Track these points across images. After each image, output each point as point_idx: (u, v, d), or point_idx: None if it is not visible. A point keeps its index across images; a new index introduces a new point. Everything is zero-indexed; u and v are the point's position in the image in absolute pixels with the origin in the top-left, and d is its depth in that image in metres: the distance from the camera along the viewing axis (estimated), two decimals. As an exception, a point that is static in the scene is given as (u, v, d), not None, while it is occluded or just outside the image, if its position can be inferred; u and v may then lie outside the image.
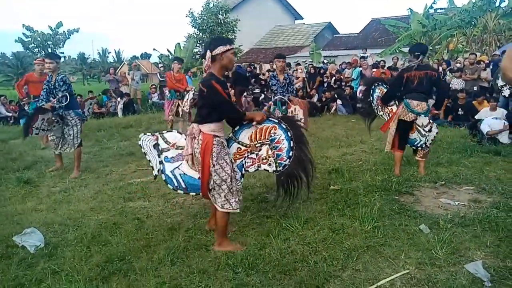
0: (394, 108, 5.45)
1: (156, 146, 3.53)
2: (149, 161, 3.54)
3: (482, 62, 9.83)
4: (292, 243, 3.39)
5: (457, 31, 15.14)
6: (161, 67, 15.67)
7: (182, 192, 3.51)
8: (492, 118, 6.93)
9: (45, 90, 5.85)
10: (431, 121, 5.21)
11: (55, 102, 5.79)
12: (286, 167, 3.52)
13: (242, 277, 2.87)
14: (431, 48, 15.49)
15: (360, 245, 3.30)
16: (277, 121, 3.54)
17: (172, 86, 8.64)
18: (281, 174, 3.54)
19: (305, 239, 3.44)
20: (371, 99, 5.73)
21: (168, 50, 17.09)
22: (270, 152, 3.52)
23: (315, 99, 12.24)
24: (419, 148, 5.23)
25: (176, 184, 3.47)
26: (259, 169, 3.58)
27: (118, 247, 3.38)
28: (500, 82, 8.45)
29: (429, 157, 5.66)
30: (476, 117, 7.68)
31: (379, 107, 5.68)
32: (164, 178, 3.49)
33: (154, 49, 52.84)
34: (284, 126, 3.52)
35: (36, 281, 2.88)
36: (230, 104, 3.29)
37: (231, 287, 2.73)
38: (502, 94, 8.23)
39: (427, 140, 5.16)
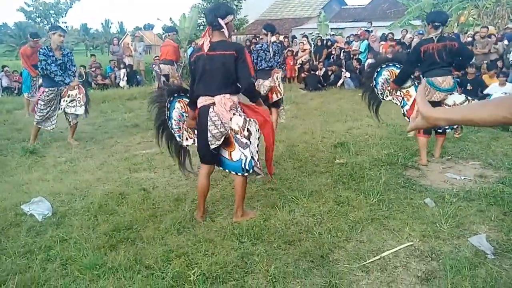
0: (412, 90, 4.80)
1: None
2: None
3: (493, 36, 9.60)
4: (297, 214, 3.42)
5: (469, 3, 14.70)
6: (165, 37, 15.41)
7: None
8: (502, 93, 6.83)
9: (56, 65, 5.77)
10: (468, 97, 4.59)
11: (78, 79, 5.97)
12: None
13: (248, 246, 2.91)
14: (441, 20, 15.09)
15: (365, 218, 3.32)
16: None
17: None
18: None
19: (310, 211, 3.46)
20: (374, 83, 5.06)
21: (171, 20, 16.78)
22: None
23: (321, 72, 12.07)
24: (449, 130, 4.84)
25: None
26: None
27: (124, 217, 3.42)
28: (511, 57, 8.28)
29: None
30: (485, 92, 7.57)
31: (387, 91, 4.99)
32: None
33: (158, 19, 52.04)
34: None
35: (45, 248, 2.93)
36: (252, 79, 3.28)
37: (237, 255, 2.77)
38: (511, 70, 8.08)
39: None
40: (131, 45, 14.92)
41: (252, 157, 3.17)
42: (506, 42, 9.44)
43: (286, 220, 3.29)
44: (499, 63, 8.64)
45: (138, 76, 13.88)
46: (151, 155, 5.43)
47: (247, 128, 3.17)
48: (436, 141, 4.85)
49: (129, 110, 8.94)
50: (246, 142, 3.16)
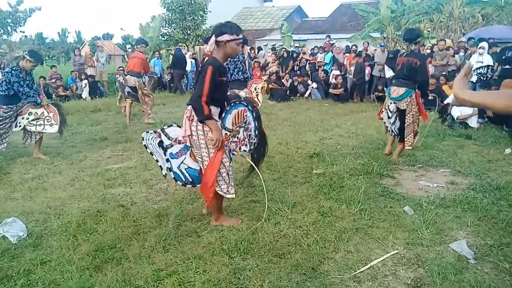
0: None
1: (160, 143, 3.39)
2: (157, 160, 3.43)
3: (451, 48, 10.16)
4: (284, 226, 3.42)
5: (424, 17, 15.52)
6: (128, 48, 15.13)
7: (191, 186, 3.59)
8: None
9: (26, 85, 5.58)
10: (400, 112, 5.22)
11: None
12: (256, 145, 3.72)
13: (239, 261, 2.88)
14: (399, 33, 15.79)
15: (350, 227, 3.38)
16: (246, 103, 3.61)
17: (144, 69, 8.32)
18: (254, 153, 3.75)
19: (296, 222, 3.49)
20: None
21: (141, 25, 16.40)
22: (245, 133, 3.64)
23: (288, 83, 12.25)
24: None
25: (184, 180, 3.51)
26: (240, 151, 3.66)
27: (106, 235, 3.29)
28: (468, 68, 8.77)
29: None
30: (446, 101, 7.96)
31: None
32: (173, 176, 3.47)
33: (121, 28, 51.09)
34: (251, 108, 3.63)
35: (25, 272, 2.76)
36: (200, 95, 3.11)
37: (229, 271, 2.73)
38: (470, 79, 8.55)
39: (394, 126, 5.30)
40: (94, 56, 14.51)
41: (169, 168, 3.41)
42: (462, 54, 10.01)
43: (273, 233, 3.29)
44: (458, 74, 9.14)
45: (101, 87, 13.50)
46: (124, 169, 5.27)
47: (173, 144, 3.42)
48: (397, 146, 5.40)
49: (96, 123, 8.67)
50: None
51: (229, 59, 5.60)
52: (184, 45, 16.84)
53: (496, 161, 5.20)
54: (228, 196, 3.38)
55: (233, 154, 3.61)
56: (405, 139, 5.19)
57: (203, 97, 3.07)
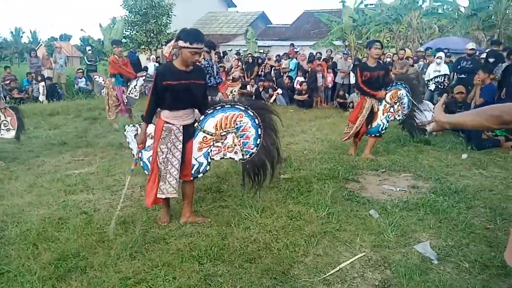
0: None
1: (136, 136, 3.68)
2: (131, 149, 3.81)
3: (409, 58, 10.58)
4: (253, 231, 3.41)
5: (384, 27, 16.10)
6: (88, 50, 14.65)
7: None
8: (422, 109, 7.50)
9: None
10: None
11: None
12: (253, 155, 3.54)
13: (209, 267, 2.84)
14: (360, 42, 16.29)
15: (318, 231, 3.42)
16: (243, 108, 3.52)
17: (120, 71, 8.00)
18: (247, 162, 3.56)
19: (265, 227, 3.49)
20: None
21: (100, 26, 15.93)
22: (236, 140, 3.53)
23: (253, 89, 12.30)
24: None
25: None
26: (225, 157, 3.59)
27: (68, 243, 3.15)
28: (426, 77, 9.17)
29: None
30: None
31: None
32: (142, 165, 3.70)
33: (81, 29, 49.47)
34: (251, 113, 3.51)
35: (-20, 285, 2.59)
36: (151, 98, 3.33)
37: (200, 278, 2.69)
38: (428, 88, 8.95)
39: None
40: (51, 57, 13.94)
41: (140, 158, 3.67)
42: (421, 63, 10.44)
43: (243, 238, 3.27)
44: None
45: (59, 90, 12.97)
46: (85, 175, 5.09)
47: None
48: (368, 141, 5.87)
49: (54, 127, 8.32)
50: None
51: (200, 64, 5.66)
52: (148, 48, 16.55)
53: (454, 165, 5.44)
54: (157, 195, 3.36)
55: (212, 159, 3.59)
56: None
57: (148, 100, 3.36)
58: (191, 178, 3.56)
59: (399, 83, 5.87)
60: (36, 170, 5.40)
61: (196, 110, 3.50)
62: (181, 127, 3.36)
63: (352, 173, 4.98)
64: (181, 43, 3.16)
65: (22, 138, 7.15)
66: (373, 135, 5.78)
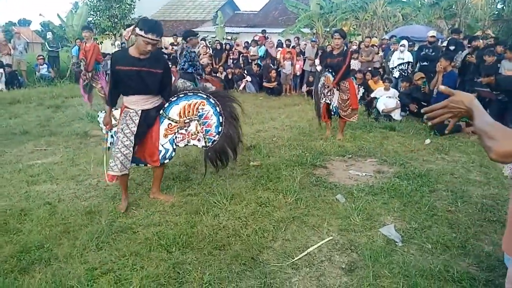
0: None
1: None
2: (106, 133, 3.78)
3: (375, 46, 10.77)
4: (223, 218, 3.42)
5: (351, 15, 16.28)
6: (49, 36, 14.01)
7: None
8: (387, 97, 7.68)
9: None
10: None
11: None
12: (215, 142, 3.62)
13: (178, 256, 2.82)
14: (328, 30, 16.40)
15: (286, 216, 3.46)
16: (205, 96, 3.59)
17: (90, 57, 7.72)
18: (209, 149, 3.67)
19: (235, 214, 3.50)
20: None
21: (59, 16, 15.28)
22: (199, 127, 3.62)
23: (222, 76, 12.19)
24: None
25: None
26: (189, 144, 3.70)
27: (32, 235, 3.06)
28: (390, 64, 9.36)
29: (336, 132, 6.16)
30: (372, 95, 8.43)
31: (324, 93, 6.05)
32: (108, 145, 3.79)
33: (40, 14, 47.25)
34: (213, 101, 3.59)
35: None
36: (110, 82, 3.49)
37: (168, 266, 2.67)
38: (393, 75, 9.15)
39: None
40: (9, 43, 13.26)
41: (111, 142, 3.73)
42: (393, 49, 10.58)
43: (213, 225, 3.27)
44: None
45: (19, 77, 12.39)
46: (49, 165, 4.91)
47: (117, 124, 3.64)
48: (339, 124, 6.16)
49: (14, 116, 7.96)
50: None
51: (185, 53, 5.77)
52: (112, 33, 16.03)
53: (418, 150, 5.62)
54: (112, 173, 3.43)
55: (177, 146, 3.69)
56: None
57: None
58: (159, 164, 3.65)
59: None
60: (-5, 161, 5.17)
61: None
62: (139, 111, 3.45)
63: (320, 159, 5.05)
64: (137, 30, 3.22)
65: (-21, 128, 6.85)
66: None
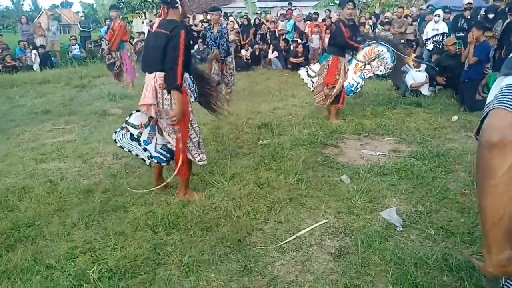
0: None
1: (132, 136, 3.26)
2: (137, 155, 3.34)
3: (408, 17, 10.10)
4: (217, 199, 3.32)
5: (389, -15, 15.40)
6: (81, 16, 14.31)
7: (172, 161, 3.41)
8: (416, 70, 7.20)
9: None
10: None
11: None
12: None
13: (162, 236, 2.77)
14: (364, 1, 15.63)
15: (284, 198, 3.31)
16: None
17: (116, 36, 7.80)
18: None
19: (230, 194, 3.39)
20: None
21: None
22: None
23: (248, 52, 11.96)
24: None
25: (165, 159, 3.41)
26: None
27: (26, 213, 3.10)
28: (424, 36, 8.75)
29: (356, 109, 5.83)
30: (401, 69, 7.94)
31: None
32: (156, 161, 3.37)
33: (77, -5, 48.41)
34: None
35: None
36: (176, 63, 2.95)
37: (149, 247, 2.62)
38: (426, 47, 8.56)
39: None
40: (44, 24, 13.64)
41: (150, 156, 3.31)
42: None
43: (204, 205, 3.18)
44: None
45: (53, 58, 12.77)
46: (62, 143, 5.01)
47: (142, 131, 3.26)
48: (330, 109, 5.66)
49: (40, 95, 8.20)
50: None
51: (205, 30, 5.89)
52: (142, 12, 16.13)
53: (442, 128, 5.23)
54: (200, 163, 3.33)
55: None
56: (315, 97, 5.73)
57: (179, 66, 2.91)
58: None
59: (375, 41, 5.93)
60: (15, 139, 5.34)
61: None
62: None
63: (333, 137, 4.82)
64: None
65: (5, 108, 7.12)
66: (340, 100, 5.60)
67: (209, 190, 3.48)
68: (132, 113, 3.29)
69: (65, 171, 4.04)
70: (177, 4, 3.06)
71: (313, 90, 5.94)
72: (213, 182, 3.62)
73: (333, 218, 3.02)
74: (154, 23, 3.21)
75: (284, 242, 2.72)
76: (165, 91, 3.05)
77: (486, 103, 1.06)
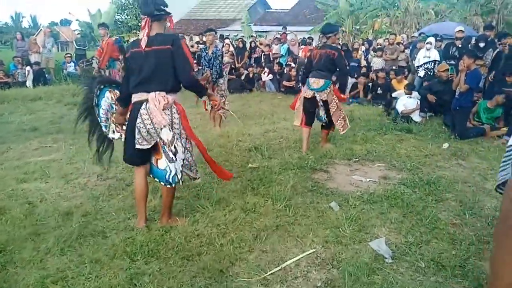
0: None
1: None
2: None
3: (400, 44, 10.22)
4: (201, 225, 3.20)
5: (382, 12, 15.66)
6: (77, 34, 14.36)
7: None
8: (407, 97, 7.21)
9: None
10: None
11: None
12: None
13: (140, 265, 2.64)
14: (357, 27, 15.88)
15: (270, 225, 3.20)
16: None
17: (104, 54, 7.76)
18: None
19: (215, 220, 3.27)
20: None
21: (88, 11, 15.62)
22: None
23: (243, 75, 11.98)
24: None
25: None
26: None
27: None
28: (416, 63, 8.83)
29: (346, 134, 5.76)
30: (393, 95, 7.97)
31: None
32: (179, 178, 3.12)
33: (69, 13, 49.09)
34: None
35: None
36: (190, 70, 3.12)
37: (125, 277, 2.48)
38: (418, 74, 8.62)
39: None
40: (40, 41, 13.63)
41: (176, 173, 3.04)
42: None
43: (187, 232, 3.06)
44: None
45: (47, 75, 12.71)
46: (47, 162, 4.89)
47: (175, 145, 3.01)
48: (321, 134, 5.59)
49: (30, 112, 8.10)
50: (172, 157, 3.01)
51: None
52: (138, 32, 16.22)
53: (433, 155, 5.18)
54: (198, 180, 3.38)
55: None
56: (336, 125, 5.30)
57: (192, 71, 3.01)
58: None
59: None
60: (-2, 157, 5.20)
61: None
62: None
63: (323, 162, 4.74)
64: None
65: (-8, 124, 6.99)
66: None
67: (193, 215, 3.36)
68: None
69: (45, 192, 3.91)
70: (165, 16, 3.01)
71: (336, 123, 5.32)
72: (198, 207, 3.51)
73: (321, 248, 2.91)
74: (139, 40, 3.03)
75: (268, 273, 2.60)
76: (173, 109, 2.99)
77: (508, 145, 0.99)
